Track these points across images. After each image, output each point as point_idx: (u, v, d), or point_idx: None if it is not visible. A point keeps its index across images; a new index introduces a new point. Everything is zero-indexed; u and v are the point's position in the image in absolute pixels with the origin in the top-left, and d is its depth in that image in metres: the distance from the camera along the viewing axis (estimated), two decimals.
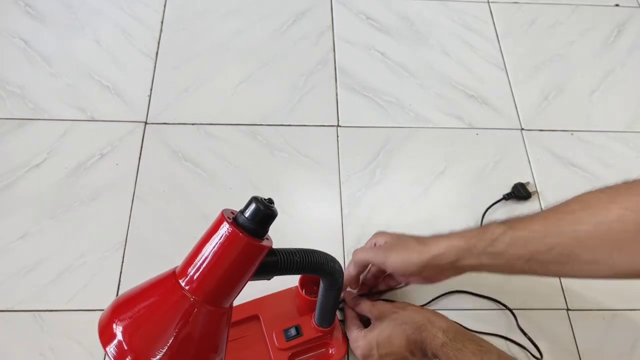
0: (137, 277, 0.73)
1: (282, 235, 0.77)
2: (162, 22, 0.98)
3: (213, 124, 0.87)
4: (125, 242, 0.76)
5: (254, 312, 0.67)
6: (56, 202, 0.78)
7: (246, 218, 0.42)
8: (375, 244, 0.67)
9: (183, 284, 0.41)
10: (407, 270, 0.61)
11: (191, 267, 0.42)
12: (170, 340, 0.40)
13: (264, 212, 0.42)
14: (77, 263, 0.74)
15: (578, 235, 0.52)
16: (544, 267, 0.55)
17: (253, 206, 0.42)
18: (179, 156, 0.84)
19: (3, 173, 0.80)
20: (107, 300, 0.70)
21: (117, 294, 0.71)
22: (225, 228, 0.41)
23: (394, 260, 0.61)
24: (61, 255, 0.74)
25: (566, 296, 0.76)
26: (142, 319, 0.41)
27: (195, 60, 0.94)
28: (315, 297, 0.61)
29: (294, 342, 0.64)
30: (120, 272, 0.73)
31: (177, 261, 0.76)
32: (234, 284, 0.43)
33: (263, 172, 0.83)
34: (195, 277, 0.41)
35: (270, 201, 0.43)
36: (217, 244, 0.42)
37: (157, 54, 0.94)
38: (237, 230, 0.41)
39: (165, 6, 1.00)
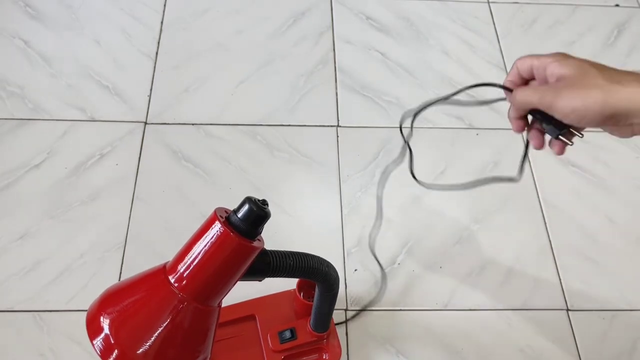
0: None
1: (281, 235, 0.77)
2: (162, 22, 0.98)
3: (213, 124, 0.87)
4: (125, 242, 0.76)
5: (251, 312, 0.67)
6: (56, 202, 0.78)
7: (239, 218, 0.42)
8: (545, 79, 0.49)
9: (172, 281, 0.41)
10: (583, 119, 0.44)
11: (181, 264, 0.42)
12: (156, 336, 0.40)
13: (257, 213, 0.42)
14: (77, 263, 0.74)
15: None
16: None
17: (246, 207, 0.42)
18: (179, 156, 0.84)
19: (3, 173, 0.80)
20: None
21: None
22: (217, 227, 0.41)
23: (565, 105, 0.44)
24: (61, 255, 0.74)
25: (566, 296, 0.76)
26: (129, 313, 0.41)
27: (195, 60, 0.94)
28: (312, 300, 0.61)
29: (288, 345, 0.64)
30: (120, 273, 0.73)
31: None
32: (223, 284, 0.43)
33: (263, 172, 0.83)
34: (184, 275, 0.41)
35: (264, 202, 0.43)
36: (208, 242, 0.42)
37: (157, 54, 0.94)
38: (228, 230, 0.41)
39: (165, 6, 1.00)
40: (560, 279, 0.77)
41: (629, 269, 0.79)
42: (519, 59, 0.51)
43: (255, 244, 0.43)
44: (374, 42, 0.99)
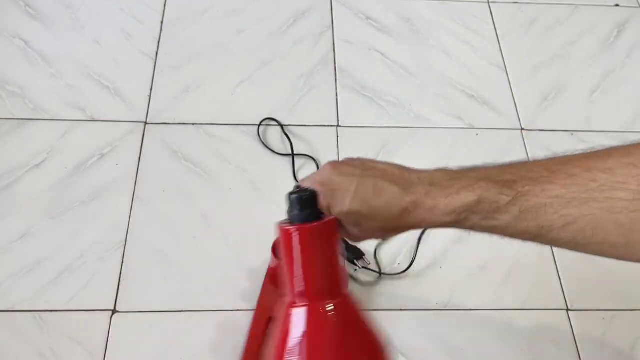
0: (137, 277, 0.74)
1: None
2: (162, 22, 0.98)
3: (213, 124, 0.87)
4: (125, 242, 0.76)
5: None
6: (56, 202, 0.78)
7: (296, 213, 0.43)
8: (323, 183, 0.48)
9: (300, 302, 0.42)
10: (372, 230, 0.47)
11: (297, 285, 0.42)
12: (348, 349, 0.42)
13: (303, 197, 0.43)
14: (77, 263, 0.73)
15: (612, 207, 0.38)
16: (555, 244, 0.42)
17: (293, 198, 0.43)
18: (179, 156, 0.83)
19: (3, 173, 0.80)
20: (107, 300, 0.70)
21: (117, 294, 0.71)
22: (290, 232, 0.42)
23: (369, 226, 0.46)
24: (61, 255, 0.74)
25: (566, 296, 0.76)
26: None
27: (195, 60, 0.94)
28: None
29: None
30: (120, 272, 0.73)
31: (177, 261, 0.76)
32: (335, 268, 0.43)
33: (263, 172, 0.83)
34: (302, 289, 0.42)
35: (299, 187, 0.44)
36: (295, 250, 0.42)
37: (157, 54, 0.94)
38: (300, 226, 0.42)
39: (165, 6, 1.00)
40: (560, 279, 0.77)
41: (629, 269, 0.79)
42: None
43: (327, 219, 0.43)
44: (374, 42, 0.99)
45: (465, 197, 0.43)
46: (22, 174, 0.80)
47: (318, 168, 0.84)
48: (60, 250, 0.74)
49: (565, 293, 0.76)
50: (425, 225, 0.46)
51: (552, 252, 0.79)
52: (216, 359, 0.68)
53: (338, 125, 0.89)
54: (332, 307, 0.42)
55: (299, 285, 0.42)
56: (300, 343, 0.42)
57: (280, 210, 0.80)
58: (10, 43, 0.93)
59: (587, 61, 1.00)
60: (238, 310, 0.71)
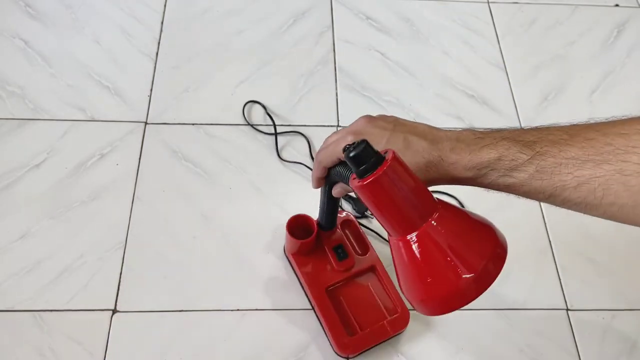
0: (137, 277, 0.74)
1: (283, 235, 0.77)
2: (162, 22, 0.98)
3: (213, 124, 0.87)
4: (125, 242, 0.76)
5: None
6: (56, 202, 0.78)
7: (360, 169, 0.42)
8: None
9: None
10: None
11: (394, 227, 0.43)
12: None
13: (363, 148, 0.42)
14: (77, 263, 0.74)
15: (623, 169, 0.40)
16: (567, 205, 0.44)
17: (354, 155, 0.42)
18: (179, 156, 0.84)
19: (3, 173, 0.80)
20: (107, 300, 0.70)
21: (117, 294, 0.71)
22: (367, 184, 0.42)
23: None
24: (61, 255, 0.74)
25: (566, 296, 0.76)
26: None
27: (195, 60, 0.94)
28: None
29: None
30: (120, 272, 0.73)
31: (177, 261, 0.76)
32: (416, 194, 0.43)
33: (263, 172, 0.83)
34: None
35: (353, 144, 0.43)
36: (373, 198, 0.43)
37: (157, 54, 0.94)
38: (368, 178, 0.41)
39: (165, 6, 1.00)
40: (560, 279, 0.77)
41: (629, 269, 0.79)
42: (321, 156, 0.53)
43: (388, 157, 0.43)
44: (374, 42, 0.99)
45: (486, 154, 0.45)
46: (22, 174, 0.80)
47: (309, 143, 0.85)
48: (60, 250, 0.74)
49: (565, 293, 0.76)
50: (447, 180, 0.48)
51: (552, 252, 0.79)
52: (216, 359, 0.68)
53: (338, 125, 0.89)
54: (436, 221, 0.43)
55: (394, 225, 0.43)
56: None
57: (280, 211, 0.80)
58: (10, 43, 0.93)
59: (587, 61, 1.00)
60: (238, 310, 0.71)
